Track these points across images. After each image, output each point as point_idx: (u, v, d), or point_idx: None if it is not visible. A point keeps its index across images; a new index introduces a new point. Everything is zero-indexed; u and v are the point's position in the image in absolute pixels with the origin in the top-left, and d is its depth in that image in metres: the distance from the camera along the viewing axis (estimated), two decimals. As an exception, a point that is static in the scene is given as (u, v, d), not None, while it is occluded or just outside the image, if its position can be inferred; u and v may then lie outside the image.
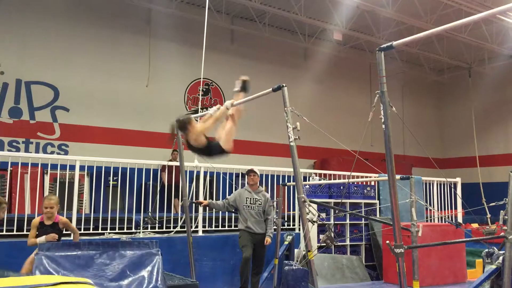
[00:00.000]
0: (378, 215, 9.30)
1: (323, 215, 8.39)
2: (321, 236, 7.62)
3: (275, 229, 7.93)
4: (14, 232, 6.60)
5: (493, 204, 5.33)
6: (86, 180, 9.39)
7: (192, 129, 5.15)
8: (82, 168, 7.56)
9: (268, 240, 7.02)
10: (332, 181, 9.15)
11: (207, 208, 7.42)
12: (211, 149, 5.39)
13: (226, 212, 8.53)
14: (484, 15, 3.68)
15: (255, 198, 7.08)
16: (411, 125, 17.17)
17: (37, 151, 11.17)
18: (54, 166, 7.54)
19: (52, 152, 11.33)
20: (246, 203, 7.04)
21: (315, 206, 7.03)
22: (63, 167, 7.32)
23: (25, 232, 6.63)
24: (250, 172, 7.26)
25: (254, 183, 7.21)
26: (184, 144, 5.62)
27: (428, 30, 4.02)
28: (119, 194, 7.83)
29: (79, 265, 4.20)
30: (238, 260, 7.78)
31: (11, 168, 7.27)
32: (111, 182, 8.05)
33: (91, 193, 8.79)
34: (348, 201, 9.11)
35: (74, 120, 11.79)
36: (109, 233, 7.24)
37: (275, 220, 8.05)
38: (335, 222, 8.87)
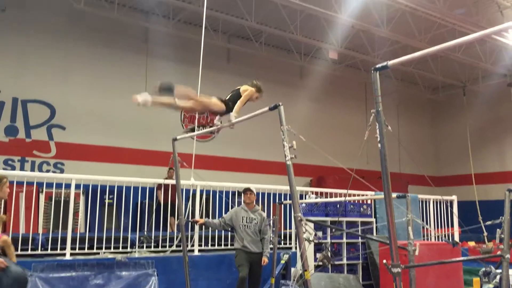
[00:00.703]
0: (374, 234, 9.26)
1: (320, 233, 8.36)
2: (318, 255, 7.59)
3: (271, 248, 7.89)
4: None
5: (489, 223, 5.32)
6: (82, 198, 9.34)
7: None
8: (77, 186, 7.51)
9: (265, 260, 6.98)
10: (329, 199, 9.14)
11: (203, 226, 7.41)
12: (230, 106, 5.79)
13: (222, 231, 8.49)
14: (479, 35, 3.72)
15: (251, 217, 7.04)
16: (407, 143, 17.25)
17: (32, 170, 11.12)
18: (49, 185, 7.51)
19: (47, 171, 11.29)
20: (243, 222, 7.00)
21: (311, 225, 7.02)
22: (59, 185, 7.28)
23: (19, 252, 6.57)
24: (247, 190, 7.24)
25: (251, 202, 7.19)
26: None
27: (423, 50, 4.06)
28: (115, 212, 7.77)
29: (74, 286, 4.15)
30: (234, 280, 7.71)
31: (6, 187, 7.21)
32: (106, 201, 8.00)
33: (87, 212, 8.73)
34: (344, 219, 9.08)
35: (70, 138, 11.78)
36: (104, 252, 7.17)
37: (271, 239, 8.01)
38: (332, 241, 8.82)
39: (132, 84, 12.76)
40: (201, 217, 8.30)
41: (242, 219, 7.01)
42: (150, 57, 12.97)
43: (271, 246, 7.98)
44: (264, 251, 7.00)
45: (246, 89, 6.05)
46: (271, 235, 7.45)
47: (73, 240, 6.95)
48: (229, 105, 5.83)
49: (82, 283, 4.23)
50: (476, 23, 11.67)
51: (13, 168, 10.90)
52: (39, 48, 11.57)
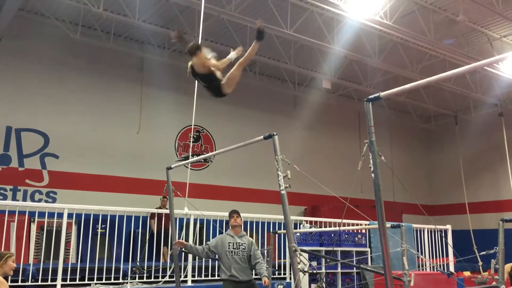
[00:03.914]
0: (369, 263, 9.20)
1: (314, 263, 8.28)
2: (313, 286, 7.51)
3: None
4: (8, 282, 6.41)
5: (484, 253, 5.31)
6: (74, 228, 9.25)
7: (200, 54, 5.33)
8: (70, 215, 7.45)
9: (266, 281, 6.32)
10: (323, 229, 9.10)
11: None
12: (210, 82, 5.60)
13: (216, 261, 8.38)
14: (471, 67, 3.81)
15: (238, 243, 6.44)
16: (400, 172, 17.30)
17: (24, 199, 11.01)
18: (41, 214, 7.44)
19: (40, 200, 11.18)
20: (229, 248, 6.37)
21: (306, 255, 6.96)
22: (51, 215, 7.22)
23: (9, 283, 6.45)
24: (233, 213, 6.70)
25: (238, 225, 6.61)
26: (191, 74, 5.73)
27: (414, 80, 4.15)
28: (107, 242, 7.69)
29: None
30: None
31: (-3, 217, 7.16)
32: (99, 230, 7.94)
33: (79, 242, 8.63)
34: (339, 249, 9.03)
35: (63, 167, 11.72)
36: (96, 283, 7.06)
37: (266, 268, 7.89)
38: (327, 271, 8.74)
39: (127, 113, 12.82)
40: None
41: (229, 245, 6.38)
42: (145, 85, 13.06)
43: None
44: (262, 273, 6.32)
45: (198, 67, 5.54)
46: (266, 266, 7.24)
47: (65, 271, 6.85)
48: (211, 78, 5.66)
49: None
50: (466, 54, 11.90)
51: (5, 197, 10.79)
52: (34, 77, 11.63)
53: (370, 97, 4.14)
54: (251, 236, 8.95)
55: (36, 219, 7.25)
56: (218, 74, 5.63)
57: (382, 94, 4.10)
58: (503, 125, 15.56)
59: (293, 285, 6.81)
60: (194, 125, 10.68)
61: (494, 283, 4.80)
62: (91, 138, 12.15)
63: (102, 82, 12.56)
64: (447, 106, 16.79)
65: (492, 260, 4.93)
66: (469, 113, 16.87)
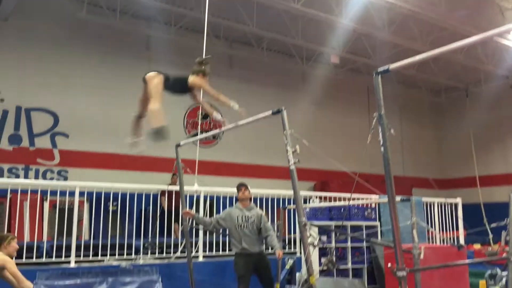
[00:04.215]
0: (379, 237, 9.24)
1: (324, 238, 8.33)
2: (323, 260, 7.58)
3: (274, 253, 7.85)
4: (13, 260, 6.53)
5: (494, 225, 5.30)
6: (86, 206, 9.35)
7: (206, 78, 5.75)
8: (81, 194, 7.54)
9: (280, 253, 6.37)
10: (333, 203, 9.11)
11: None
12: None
13: (227, 237, 8.47)
14: (480, 38, 3.73)
15: (247, 216, 6.45)
16: (410, 146, 17.23)
17: (36, 178, 11.15)
18: (53, 193, 7.52)
19: (51, 178, 11.31)
20: (238, 221, 6.39)
21: (316, 229, 7.00)
22: (63, 193, 7.30)
23: (24, 260, 6.58)
24: (241, 186, 6.70)
25: (246, 198, 6.62)
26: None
27: (424, 52, 4.07)
28: (119, 219, 7.78)
29: (78, 293, 4.17)
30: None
31: (10, 195, 7.25)
32: (110, 208, 8.02)
33: (91, 219, 8.74)
34: (349, 223, 9.06)
35: (74, 146, 11.80)
36: (109, 259, 7.17)
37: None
38: (337, 245, 8.80)
39: (135, 91, 12.75)
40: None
41: (238, 219, 6.40)
42: (152, 63, 12.97)
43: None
44: (275, 245, 6.36)
45: (195, 82, 6.01)
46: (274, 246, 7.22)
47: (78, 248, 6.96)
48: (171, 79, 5.92)
49: (87, 290, 4.25)
50: (477, 25, 11.66)
51: (17, 176, 10.93)
52: (41, 56, 11.62)
53: (379, 69, 4.09)
54: (261, 211, 9.02)
55: (48, 198, 7.32)
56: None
57: (391, 66, 4.04)
58: (514, 97, 15.38)
59: (303, 259, 6.85)
60: (202, 102, 10.65)
61: (504, 254, 4.80)
62: (100, 116, 12.19)
63: (109, 60, 12.53)
64: (457, 79, 16.58)
65: (503, 231, 4.93)
66: (480, 85, 16.65)
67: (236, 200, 8.90)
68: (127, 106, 12.50)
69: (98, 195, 7.71)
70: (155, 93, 5.44)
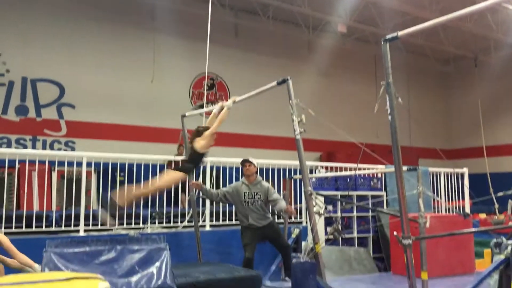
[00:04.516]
0: (385, 207, 9.28)
1: (330, 207, 8.38)
2: (329, 229, 7.64)
3: (282, 223, 7.94)
4: (23, 229, 6.65)
5: (501, 194, 5.29)
6: (93, 176, 9.43)
7: (206, 135, 5.48)
8: (89, 164, 7.58)
9: (289, 208, 6.48)
10: (339, 173, 9.12)
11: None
12: (195, 161, 5.61)
13: (233, 207, 8.53)
14: (489, 3, 3.66)
15: (254, 192, 6.48)
16: (417, 116, 17.12)
17: (44, 148, 11.23)
18: (61, 163, 7.57)
19: (59, 149, 11.39)
20: (245, 198, 6.42)
21: (321, 198, 7.03)
22: (70, 164, 7.35)
23: (34, 229, 6.69)
24: (245, 162, 6.66)
25: (251, 174, 6.60)
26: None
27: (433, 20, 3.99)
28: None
29: (88, 261, 4.22)
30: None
31: (19, 166, 7.31)
32: (118, 178, 8.07)
33: (99, 189, 8.82)
34: (355, 193, 9.08)
35: (80, 117, 11.84)
36: (117, 228, 7.27)
37: (282, 214, 8.05)
38: (342, 215, 8.85)
39: (141, 61, 12.75)
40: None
41: (244, 195, 6.43)
42: (158, 33, 12.89)
43: (282, 220, 8.04)
44: (283, 206, 6.39)
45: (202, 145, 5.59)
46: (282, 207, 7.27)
47: (87, 217, 7.05)
48: (190, 166, 5.59)
49: (95, 257, 4.30)
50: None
51: (25, 147, 11.02)
52: (46, 27, 11.55)
53: (387, 37, 4.03)
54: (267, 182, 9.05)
55: (56, 168, 7.38)
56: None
57: (400, 33, 3.98)
58: (524, 66, 15.15)
59: (309, 228, 6.91)
60: (208, 73, 10.58)
61: (510, 223, 4.80)
62: (106, 87, 12.18)
63: (115, 31, 12.45)
64: (466, 48, 16.33)
65: (510, 200, 4.92)
66: (489, 54, 16.39)
67: (242, 171, 8.97)
68: (133, 76, 12.60)
69: (106, 165, 7.76)
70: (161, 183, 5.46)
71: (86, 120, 11.88)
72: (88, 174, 8.07)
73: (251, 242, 6.29)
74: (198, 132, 5.56)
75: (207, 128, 5.58)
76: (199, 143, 5.46)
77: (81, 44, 11.96)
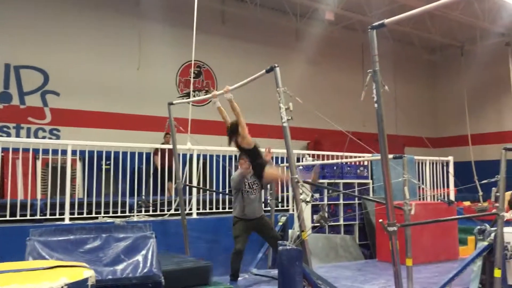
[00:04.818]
0: (371, 195, 9.35)
1: (317, 195, 8.41)
2: (315, 217, 7.68)
3: (269, 211, 7.95)
4: (7, 218, 6.58)
5: (485, 181, 5.35)
6: (79, 164, 9.34)
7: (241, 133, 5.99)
8: (74, 152, 7.50)
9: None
10: (325, 161, 9.16)
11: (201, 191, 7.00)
12: (254, 157, 6.17)
13: (220, 195, 8.53)
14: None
15: (251, 182, 6.46)
16: (404, 105, 17.22)
17: (28, 136, 11.08)
18: (46, 151, 7.48)
19: (43, 137, 11.24)
20: (245, 187, 6.42)
21: (308, 186, 7.05)
22: (55, 152, 7.27)
23: (18, 217, 6.62)
24: (239, 159, 6.64)
25: (245, 169, 6.52)
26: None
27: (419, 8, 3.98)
28: (112, 178, 7.79)
29: (72, 250, 4.18)
30: (232, 242, 7.78)
31: (2, 154, 7.21)
32: (103, 166, 8.00)
33: (84, 178, 8.74)
34: (341, 181, 9.14)
35: (65, 105, 11.68)
36: (103, 217, 7.23)
37: (269, 201, 8.08)
38: (329, 202, 8.91)
39: (126, 49, 12.59)
40: (198, 181, 8.30)
41: (245, 185, 6.43)
42: (143, 20, 12.72)
43: (269, 208, 8.05)
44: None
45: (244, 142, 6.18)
46: (269, 197, 7.33)
47: (72, 206, 6.99)
48: (260, 160, 6.23)
49: (80, 246, 4.26)
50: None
51: (9, 135, 10.85)
52: (30, 13, 11.32)
53: (374, 24, 4.02)
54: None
55: (40, 156, 7.28)
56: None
57: (386, 21, 3.97)
58: (509, 55, 15.26)
59: (295, 216, 6.93)
60: (194, 61, 10.47)
61: (494, 210, 4.87)
62: (91, 75, 12.01)
63: (100, 17, 12.26)
64: (453, 37, 16.39)
65: (493, 188, 4.97)
66: (475, 43, 16.48)
67: (230, 158, 8.96)
68: (119, 64, 12.45)
69: (91, 153, 7.69)
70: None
71: (71, 108, 11.72)
72: (73, 162, 7.99)
73: (242, 234, 6.29)
74: (233, 131, 6.12)
75: (235, 125, 6.12)
76: (243, 143, 6.08)
77: (66, 31, 11.77)
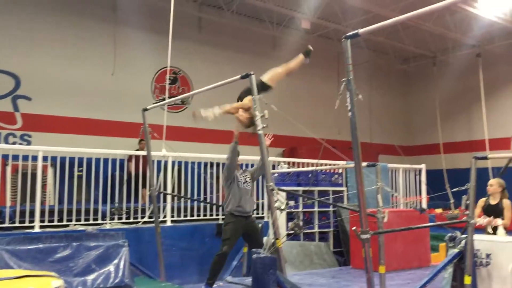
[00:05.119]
0: (345, 202, 9.41)
1: (292, 203, 8.44)
2: (290, 224, 7.69)
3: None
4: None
5: (456, 189, 5.46)
6: (50, 171, 9.14)
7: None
8: (45, 158, 7.34)
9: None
10: (300, 169, 9.19)
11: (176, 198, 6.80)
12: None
13: (195, 202, 8.46)
14: (446, 3, 3.75)
15: (244, 176, 6.37)
16: (378, 114, 17.46)
17: (-2, 142, 10.81)
18: (16, 157, 7.30)
19: (14, 143, 10.98)
20: (240, 180, 6.25)
21: (283, 194, 7.07)
22: (26, 158, 7.10)
23: (-14, 225, 6.43)
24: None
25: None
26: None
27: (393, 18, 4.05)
28: (84, 185, 7.65)
29: (41, 259, 4.08)
30: (207, 250, 7.74)
31: (-29, 160, 7.00)
32: (76, 173, 7.84)
33: (56, 184, 8.56)
34: (316, 188, 9.18)
35: (37, 110, 11.45)
36: (75, 224, 7.08)
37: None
38: (304, 210, 8.93)
39: (101, 54, 12.45)
40: (173, 189, 8.22)
41: (240, 178, 6.28)
42: (119, 25, 12.60)
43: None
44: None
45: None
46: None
47: (42, 213, 6.83)
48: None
49: (50, 255, 4.16)
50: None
51: (-22, 141, 10.58)
52: (1, 15, 11.09)
53: (348, 34, 4.06)
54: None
55: (10, 162, 7.10)
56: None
57: (360, 31, 4.02)
58: (480, 66, 15.65)
59: (270, 223, 6.93)
60: (170, 67, 10.42)
61: (464, 218, 4.96)
62: (65, 79, 11.82)
63: (74, 21, 12.09)
64: (426, 47, 16.74)
65: (463, 196, 5.07)
66: (447, 54, 16.88)
67: (205, 165, 8.93)
68: (93, 69, 12.29)
69: (63, 160, 7.55)
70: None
71: (43, 113, 11.50)
72: (45, 168, 7.82)
73: (232, 237, 6.04)
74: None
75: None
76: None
77: (39, 34, 11.57)
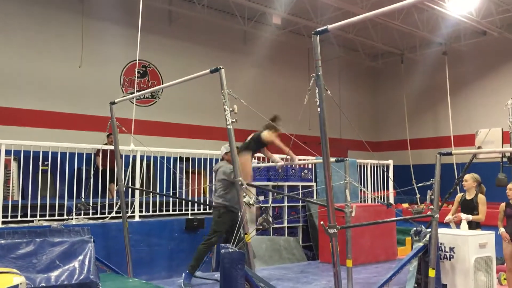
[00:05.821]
0: (315, 197, 9.50)
1: (262, 198, 8.45)
2: (259, 219, 7.71)
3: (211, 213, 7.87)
4: None
5: (421, 184, 5.58)
6: (14, 165, 8.90)
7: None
8: (8, 152, 7.13)
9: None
10: (270, 164, 9.21)
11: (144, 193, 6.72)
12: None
13: (164, 197, 8.38)
14: (412, 2, 3.81)
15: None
16: (347, 110, 17.64)
17: (-42, 135, 10.43)
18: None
19: (-25, 136, 10.62)
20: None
21: (253, 189, 7.05)
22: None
23: None
24: (228, 152, 6.61)
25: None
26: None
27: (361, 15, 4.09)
28: (50, 179, 7.46)
29: (3, 255, 3.94)
30: (176, 245, 7.70)
31: None
32: (41, 167, 7.65)
33: (20, 179, 8.33)
34: (286, 183, 9.23)
35: (0, 102, 11.10)
36: (39, 220, 6.91)
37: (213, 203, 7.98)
38: (273, 205, 8.97)
39: (67, 46, 12.15)
40: (142, 183, 8.11)
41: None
42: (86, 17, 12.32)
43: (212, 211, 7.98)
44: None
45: (268, 137, 6.69)
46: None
47: (5, 208, 6.64)
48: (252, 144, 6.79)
49: (12, 251, 4.02)
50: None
51: None
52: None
53: (318, 29, 4.08)
54: (199, 173, 8.99)
55: (-29, 156, 6.87)
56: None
57: (329, 27, 4.05)
58: (446, 64, 16.00)
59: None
60: (139, 60, 10.28)
61: (429, 212, 5.07)
62: (30, 71, 11.50)
63: (40, 11, 11.76)
64: (394, 45, 17.02)
65: (429, 191, 5.19)
66: (415, 52, 17.20)
67: (174, 160, 8.86)
68: (59, 61, 11.99)
69: (27, 153, 7.34)
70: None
71: (6, 106, 11.15)
72: (8, 162, 7.60)
73: (223, 231, 6.30)
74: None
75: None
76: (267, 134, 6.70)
77: (3, 25, 11.19)
